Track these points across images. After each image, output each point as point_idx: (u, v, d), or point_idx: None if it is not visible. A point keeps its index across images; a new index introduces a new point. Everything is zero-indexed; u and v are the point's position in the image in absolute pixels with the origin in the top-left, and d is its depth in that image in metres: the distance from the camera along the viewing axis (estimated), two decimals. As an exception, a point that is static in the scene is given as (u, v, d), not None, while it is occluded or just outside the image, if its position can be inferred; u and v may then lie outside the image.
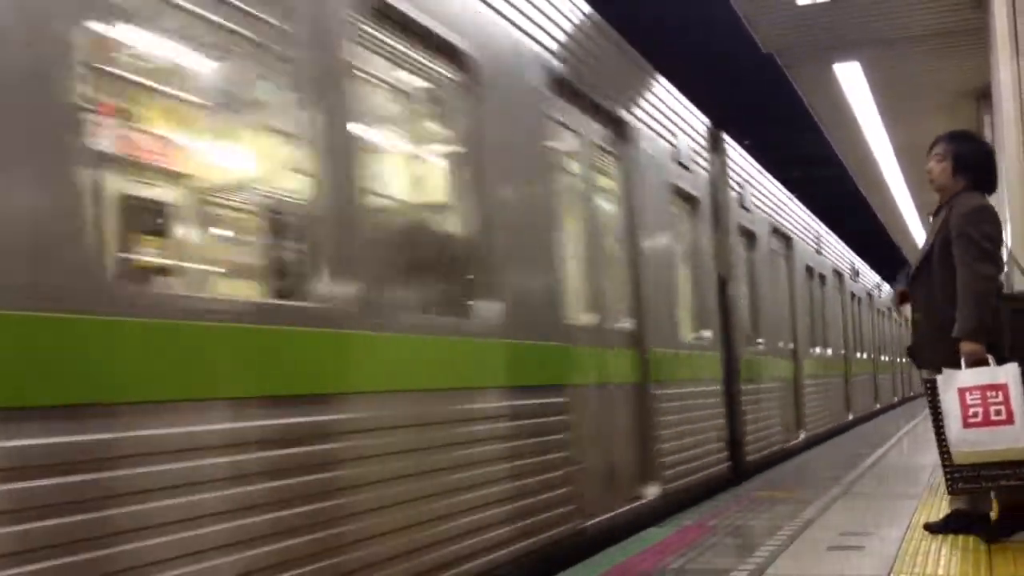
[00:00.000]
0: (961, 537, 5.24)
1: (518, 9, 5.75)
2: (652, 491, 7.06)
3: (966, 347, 4.87)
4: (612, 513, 6.39)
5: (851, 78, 10.19)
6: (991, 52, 7.43)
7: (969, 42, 8.96)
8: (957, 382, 4.82)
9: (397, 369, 4.24)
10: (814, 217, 15.44)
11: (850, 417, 16.53)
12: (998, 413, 4.70)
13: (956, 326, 4.91)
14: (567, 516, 5.66)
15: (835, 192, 21.12)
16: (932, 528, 5.42)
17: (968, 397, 4.77)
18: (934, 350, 5.08)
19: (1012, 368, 4.77)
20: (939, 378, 4.89)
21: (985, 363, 4.83)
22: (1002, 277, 5.31)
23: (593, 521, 6.07)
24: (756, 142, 15.64)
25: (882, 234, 22.53)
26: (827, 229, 16.53)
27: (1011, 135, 6.36)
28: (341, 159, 4.02)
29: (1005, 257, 5.57)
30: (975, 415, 4.74)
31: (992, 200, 5.33)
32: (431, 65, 4.92)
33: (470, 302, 5.00)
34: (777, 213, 12.48)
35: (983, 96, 9.92)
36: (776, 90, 12.95)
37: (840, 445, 12.73)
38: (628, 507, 6.66)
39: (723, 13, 8.99)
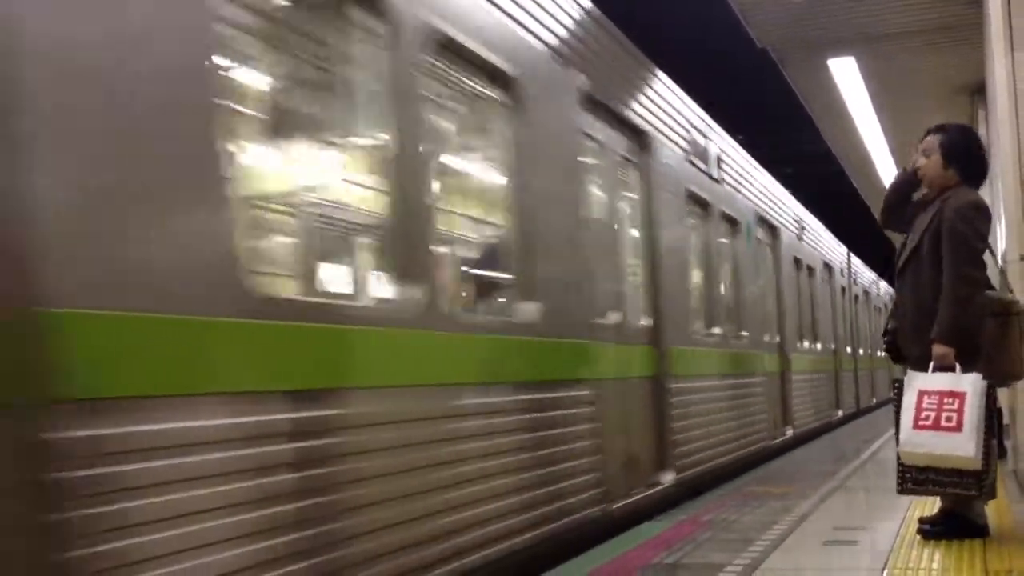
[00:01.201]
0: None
1: (818, 246, 15.38)
2: (840, 412, 16.40)
3: (938, 350, 4.85)
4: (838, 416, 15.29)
5: (846, 73, 10.19)
6: (986, 47, 7.44)
7: (964, 37, 8.97)
8: (919, 383, 4.85)
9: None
10: (869, 269, 23.80)
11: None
12: (949, 420, 4.73)
13: (934, 328, 4.87)
14: None
15: (831, 189, 21.15)
16: (926, 532, 5.32)
17: (925, 400, 4.80)
18: (916, 345, 5.01)
19: (975, 379, 4.77)
20: (904, 378, 4.92)
21: (952, 369, 4.82)
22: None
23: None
24: (752, 139, 15.66)
25: (877, 230, 22.56)
26: (876, 276, 24.94)
27: (1005, 130, 6.36)
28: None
29: (993, 267, 5.51)
30: (927, 418, 4.78)
31: (986, 195, 5.31)
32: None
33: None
34: (862, 277, 21.97)
35: (978, 91, 9.94)
36: (772, 86, 12.96)
37: (840, 437, 12.78)
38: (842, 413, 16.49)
39: (719, 8, 9.00)
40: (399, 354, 4.26)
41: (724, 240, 10.05)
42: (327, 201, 4.49)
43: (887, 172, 14.80)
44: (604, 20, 7.13)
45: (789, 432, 12.04)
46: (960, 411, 4.71)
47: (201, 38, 3.35)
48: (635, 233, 7.71)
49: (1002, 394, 8.52)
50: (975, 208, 5.00)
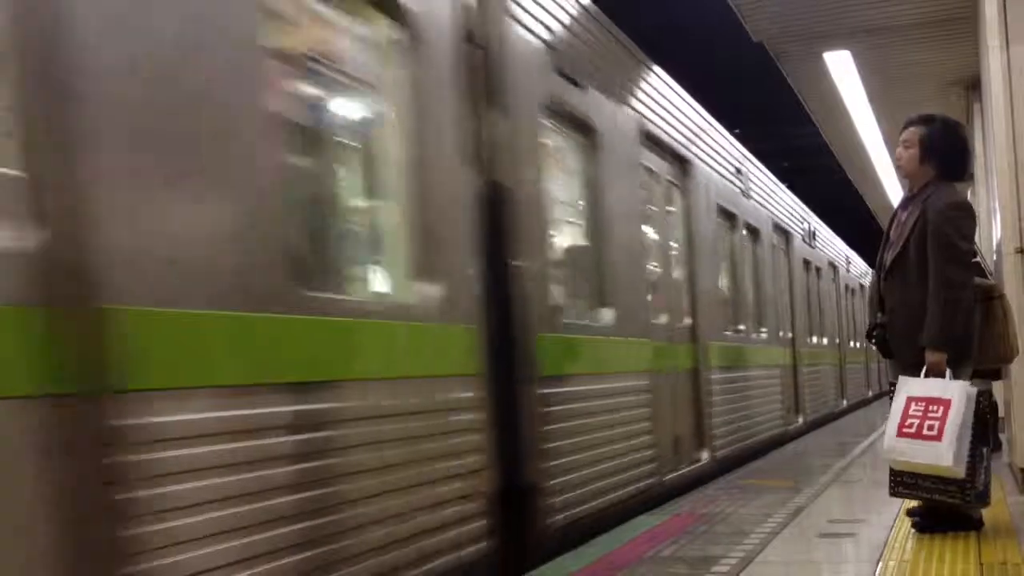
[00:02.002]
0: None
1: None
2: (870, 392, 21.58)
3: (930, 356, 4.84)
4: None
5: (841, 67, 10.19)
6: (981, 41, 7.44)
7: (959, 31, 8.96)
8: (908, 389, 4.82)
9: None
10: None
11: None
12: (931, 428, 4.68)
13: (924, 334, 4.85)
14: None
15: (828, 182, 21.16)
16: (919, 524, 5.36)
17: (913, 407, 4.76)
18: (907, 344, 5.00)
19: (961, 386, 4.74)
20: (898, 382, 4.91)
21: (943, 375, 4.81)
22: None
23: None
24: (749, 132, 15.66)
25: (872, 222, 22.60)
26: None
27: (1000, 124, 6.35)
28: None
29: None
30: (911, 425, 4.74)
31: (981, 190, 5.33)
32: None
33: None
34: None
35: (973, 85, 9.93)
36: (768, 81, 12.94)
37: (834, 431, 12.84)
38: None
39: (716, 3, 8.99)
40: (761, 354, 11.07)
41: (815, 282, 15.89)
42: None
43: (882, 164, 14.82)
44: (782, 185, 13.89)
45: (844, 403, 17.42)
46: (943, 419, 4.66)
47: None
48: (784, 285, 13.37)
49: (997, 387, 8.56)
50: (958, 208, 4.97)
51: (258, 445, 3.28)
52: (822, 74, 10.35)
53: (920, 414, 4.73)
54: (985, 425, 4.87)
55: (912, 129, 5.14)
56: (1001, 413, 8.53)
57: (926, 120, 5.17)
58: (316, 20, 4.04)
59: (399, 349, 4.19)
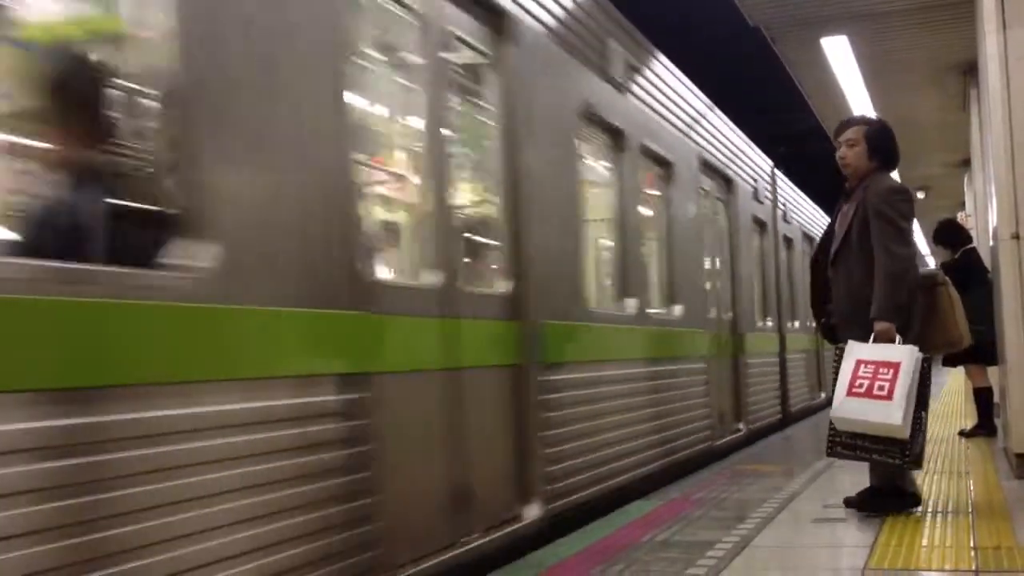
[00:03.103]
0: (945, 509, 5.27)
1: None
2: None
3: (879, 326, 5.03)
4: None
5: (838, 52, 10.17)
6: (978, 25, 7.42)
7: (956, 15, 8.94)
8: (858, 353, 5.00)
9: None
10: None
11: None
12: (881, 388, 4.86)
13: (872, 306, 5.06)
14: None
15: (824, 169, 21.15)
16: (850, 503, 5.49)
17: (862, 368, 4.94)
18: (852, 327, 5.19)
19: (911, 350, 4.92)
20: (845, 346, 5.08)
21: (893, 342, 4.99)
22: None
23: None
24: (745, 117, 15.62)
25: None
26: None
27: (997, 108, 6.35)
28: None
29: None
30: (860, 386, 4.92)
31: (978, 175, 5.37)
32: None
33: None
34: None
35: (970, 70, 9.92)
36: (764, 65, 12.92)
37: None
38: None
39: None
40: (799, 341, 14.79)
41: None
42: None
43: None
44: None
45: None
46: (893, 380, 4.85)
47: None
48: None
49: (992, 373, 8.58)
50: (896, 191, 5.30)
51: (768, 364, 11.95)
52: (819, 59, 10.32)
53: (870, 375, 4.90)
54: (924, 390, 4.98)
55: (854, 128, 5.49)
56: (996, 399, 8.56)
57: (863, 120, 5.62)
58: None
59: (764, 343, 11.61)
